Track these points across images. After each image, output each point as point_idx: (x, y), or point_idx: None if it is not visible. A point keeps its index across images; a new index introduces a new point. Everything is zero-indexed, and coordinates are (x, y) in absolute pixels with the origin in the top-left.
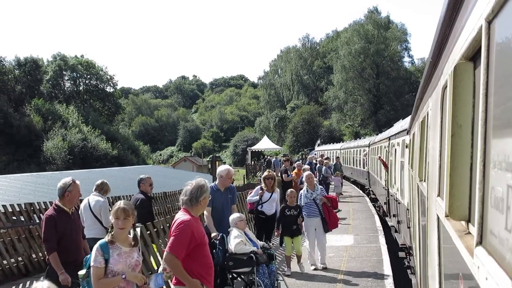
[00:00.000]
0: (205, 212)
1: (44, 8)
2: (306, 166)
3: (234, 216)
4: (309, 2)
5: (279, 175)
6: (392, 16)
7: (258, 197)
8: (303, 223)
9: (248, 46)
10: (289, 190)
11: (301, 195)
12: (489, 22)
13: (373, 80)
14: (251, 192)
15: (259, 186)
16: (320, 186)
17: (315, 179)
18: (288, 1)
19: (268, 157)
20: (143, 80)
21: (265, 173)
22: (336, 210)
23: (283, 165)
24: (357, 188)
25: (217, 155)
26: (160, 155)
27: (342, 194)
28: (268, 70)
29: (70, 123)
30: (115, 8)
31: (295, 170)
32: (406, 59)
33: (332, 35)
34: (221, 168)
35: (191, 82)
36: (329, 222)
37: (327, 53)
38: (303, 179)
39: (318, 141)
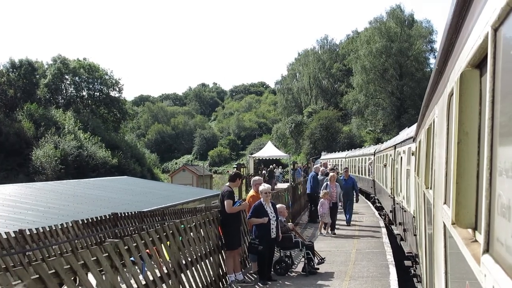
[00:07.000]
0: None
1: (62, 15)
2: (264, 187)
3: None
4: (329, 3)
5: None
6: (416, 15)
7: None
8: None
9: (269, 53)
10: None
11: None
12: (495, 29)
13: (396, 81)
14: None
15: None
16: None
17: None
18: (308, 3)
19: (273, 165)
20: (163, 88)
21: None
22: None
23: (228, 185)
24: (372, 207)
25: None
26: (176, 163)
27: (349, 224)
28: (286, 74)
29: (65, 130)
30: (137, 15)
31: (251, 193)
32: (432, 60)
33: (352, 36)
34: None
35: (211, 90)
36: None
37: (347, 55)
38: None
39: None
